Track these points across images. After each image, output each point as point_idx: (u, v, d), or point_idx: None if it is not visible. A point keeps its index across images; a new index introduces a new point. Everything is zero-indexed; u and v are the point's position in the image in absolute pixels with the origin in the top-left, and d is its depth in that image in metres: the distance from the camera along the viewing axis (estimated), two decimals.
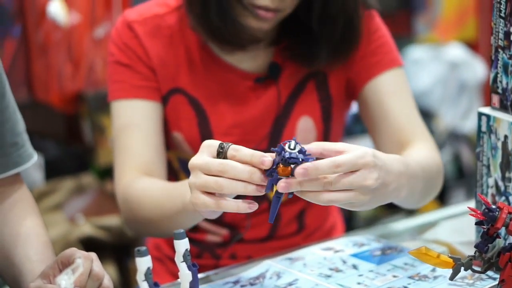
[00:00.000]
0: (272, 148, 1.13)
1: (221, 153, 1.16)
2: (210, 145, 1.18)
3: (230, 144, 1.16)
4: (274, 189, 1.13)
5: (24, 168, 1.38)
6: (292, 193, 1.14)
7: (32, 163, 1.39)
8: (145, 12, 1.57)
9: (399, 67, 1.59)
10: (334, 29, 1.51)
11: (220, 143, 1.17)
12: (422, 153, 1.45)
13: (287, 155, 1.10)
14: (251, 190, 1.14)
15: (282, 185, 1.11)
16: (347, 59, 1.56)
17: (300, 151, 1.11)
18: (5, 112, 1.34)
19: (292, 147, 1.11)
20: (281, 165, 1.11)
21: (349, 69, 1.58)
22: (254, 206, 1.15)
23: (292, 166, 1.11)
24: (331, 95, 1.60)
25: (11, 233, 1.31)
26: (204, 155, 1.17)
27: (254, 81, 1.57)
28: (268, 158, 1.12)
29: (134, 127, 1.52)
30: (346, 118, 1.69)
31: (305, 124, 1.57)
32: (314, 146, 1.15)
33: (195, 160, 1.17)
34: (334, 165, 1.11)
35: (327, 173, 1.12)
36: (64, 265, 1.16)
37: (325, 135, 1.60)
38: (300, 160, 1.10)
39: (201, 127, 1.56)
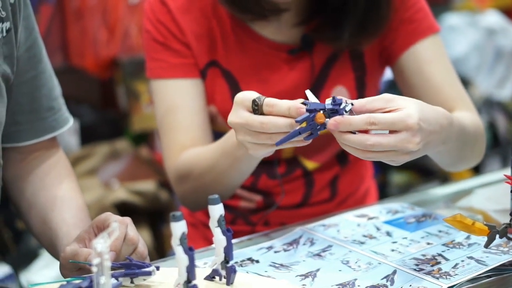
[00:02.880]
0: (332, 95, 1.13)
1: (256, 110, 1.18)
2: (244, 100, 1.20)
3: (263, 98, 1.18)
4: (302, 124, 1.14)
5: (60, 132, 1.39)
6: (311, 136, 1.15)
7: (68, 127, 1.40)
8: None
9: (436, 33, 1.57)
10: (356, 6, 1.49)
11: (253, 99, 1.18)
12: (464, 115, 1.44)
13: (339, 107, 1.12)
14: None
15: (332, 122, 1.12)
16: (375, 37, 1.54)
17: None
18: (42, 77, 1.35)
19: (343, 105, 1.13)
20: (321, 112, 1.13)
21: (384, 37, 1.56)
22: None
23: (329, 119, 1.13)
24: (365, 64, 1.58)
25: (48, 197, 1.33)
26: (241, 111, 1.20)
27: (287, 52, 1.56)
28: (303, 109, 1.14)
29: (177, 108, 1.53)
30: (380, 85, 1.68)
31: (339, 94, 1.55)
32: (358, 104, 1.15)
33: (235, 119, 1.20)
34: (369, 121, 1.11)
35: (360, 129, 1.12)
36: (99, 229, 1.17)
37: None
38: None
39: None
